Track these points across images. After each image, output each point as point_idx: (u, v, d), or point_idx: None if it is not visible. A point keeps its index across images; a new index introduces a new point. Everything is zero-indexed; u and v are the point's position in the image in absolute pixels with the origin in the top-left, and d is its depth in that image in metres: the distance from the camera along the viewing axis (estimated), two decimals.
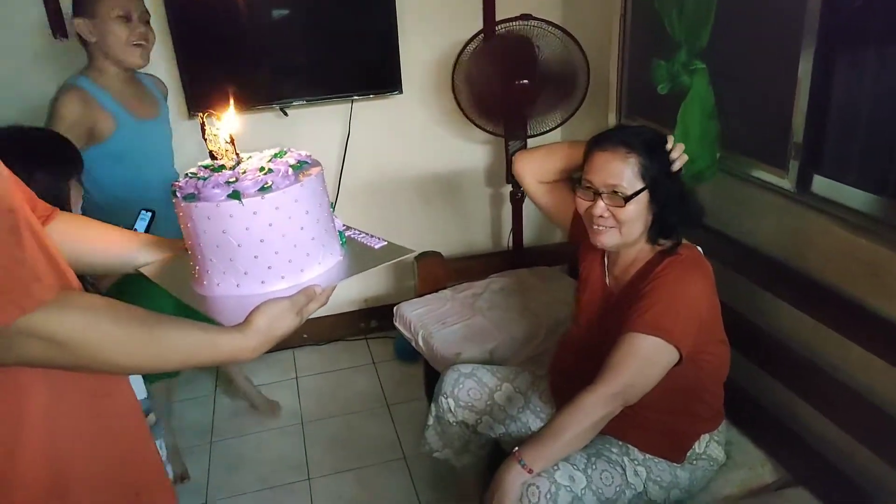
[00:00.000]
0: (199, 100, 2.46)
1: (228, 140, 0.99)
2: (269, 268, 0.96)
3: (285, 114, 2.64)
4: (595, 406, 1.37)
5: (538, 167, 1.74)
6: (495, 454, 1.87)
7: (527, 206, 2.83)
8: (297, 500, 2.18)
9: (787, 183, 1.75)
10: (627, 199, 1.42)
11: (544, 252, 2.83)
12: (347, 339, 3.00)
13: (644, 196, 1.43)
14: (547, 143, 1.82)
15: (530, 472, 1.37)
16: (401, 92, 2.66)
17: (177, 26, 2.36)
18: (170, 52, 2.41)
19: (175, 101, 2.49)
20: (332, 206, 1.06)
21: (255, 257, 0.95)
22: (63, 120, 1.89)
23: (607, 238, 1.47)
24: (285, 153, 1.04)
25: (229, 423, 2.54)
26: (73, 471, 0.88)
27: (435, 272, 2.51)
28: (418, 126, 2.81)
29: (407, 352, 2.81)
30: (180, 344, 0.83)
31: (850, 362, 1.55)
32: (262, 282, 0.96)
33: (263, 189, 0.92)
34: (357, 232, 1.13)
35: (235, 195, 0.92)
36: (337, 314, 2.92)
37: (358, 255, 1.06)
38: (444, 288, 2.43)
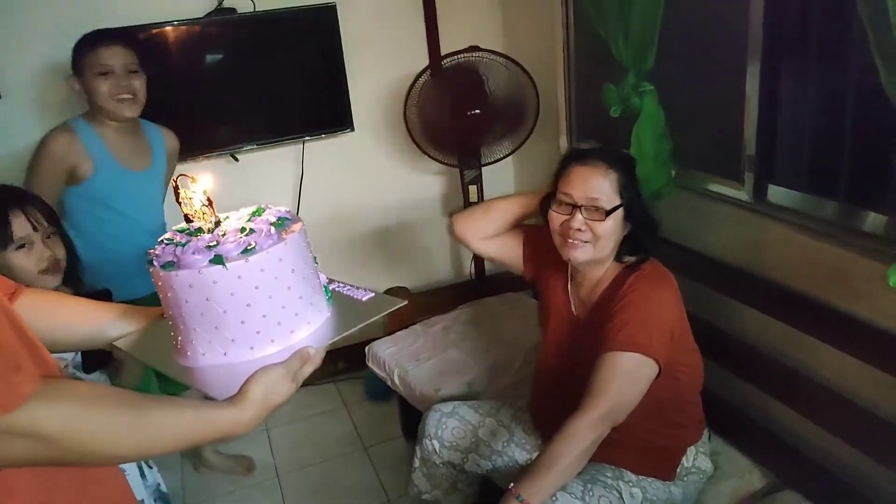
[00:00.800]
0: None
1: (206, 202, 0.95)
2: (257, 332, 0.91)
3: (236, 159, 2.59)
4: (585, 431, 1.36)
5: (479, 226, 1.75)
6: (484, 489, 1.84)
7: None
8: None
9: (743, 194, 1.81)
10: (608, 213, 1.44)
11: (507, 278, 2.83)
12: (316, 382, 2.92)
13: (620, 212, 1.46)
14: (482, 202, 1.84)
15: None
16: (352, 129, 2.65)
17: None
18: None
19: None
20: (315, 258, 1.03)
21: (242, 323, 0.90)
22: (44, 156, 1.93)
23: (581, 252, 1.47)
24: (263, 210, 1.01)
25: (201, 487, 2.42)
26: None
27: (402, 308, 2.48)
28: (372, 162, 2.80)
29: (378, 391, 2.77)
30: (171, 425, 0.77)
31: (822, 363, 1.59)
32: (251, 347, 0.91)
33: (247, 251, 0.88)
34: (341, 285, 1.09)
35: (218, 259, 0.87)
36: None
37: (346, 310, 1.02)
38: (414, 323, 2.41)
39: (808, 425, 1.60)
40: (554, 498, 1.40)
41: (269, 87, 2.53)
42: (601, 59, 2.22)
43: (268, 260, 0.89)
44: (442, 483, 1.77)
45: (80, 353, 1.54)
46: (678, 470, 1.56)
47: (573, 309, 1.61)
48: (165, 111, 2.39)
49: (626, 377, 1.40)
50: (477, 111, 2.49)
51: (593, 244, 1.46)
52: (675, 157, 1.95)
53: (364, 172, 2.81)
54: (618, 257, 1.52)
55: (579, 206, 1.45)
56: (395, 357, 2.21)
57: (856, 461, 1.52)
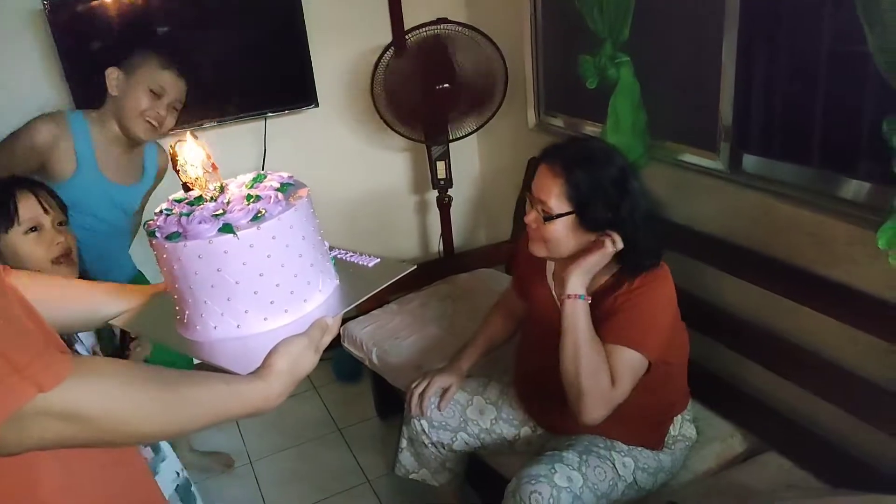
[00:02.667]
0: None
1: (209, 168, 0.89)
2: (271, 302, 0.87)
3: (195, 137, 2.47)
4: (599, 403, 1.38)
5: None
6: (472, 467, 1.84)
7: (454, 211, 2.82)
8: None
9: (719, 164, 1.83)
10: (547, 218, 1.41)
11: (476, 254, 2.82)
12: None
13: (570, 220, 1.41)
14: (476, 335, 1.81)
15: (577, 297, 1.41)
16: (317, 105, 2.57)
17: (64, 53, 2.16)
18: (60, 80, 2.20)
19: None
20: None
21: (255, 293, 0.86)
22: (28, 138, 1.80)
23: (535, 247, 1.48)
24: (265, 177, 0.95)
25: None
26: None
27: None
28: (337, 139, 2.73)
29: (347, 372, 2.73)
30: (207, 401, 0.73)
31: (801, 326, 1.64)
32: (265, 318, 0.87)
33: (256, 218, 0.83)
34: (343, 252, 1.06)
35: (228, 228, 0.82)
36: None
37: (353, 278, 0.98)
38: (388, 302, 2.37)
39: (788, 388, 1.65)
40: (552, 469, 1.41)
41: (230, 61, 2.43)
42: (572, 31, 2.21)
43: (279, 227, 0.85)
44: (430, 463, 1.76)
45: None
46: (666, 439, 1.58)
47: (557, 302, 1.59)
48: None
49: (631, 372, 1.41)
50: (446, 85, 2.45)
51: (544, 244, 1.46)
52: (650, 129, 1.97)
53: (329, 149, 2.74)
54: (628, 271, 1.46)
55: (535, 204, 1.45)
56: (372, 336, 2.17)
57: (835, 420, 1.57)
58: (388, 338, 2.14)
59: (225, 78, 2.45)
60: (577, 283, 1.42)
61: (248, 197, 0.87)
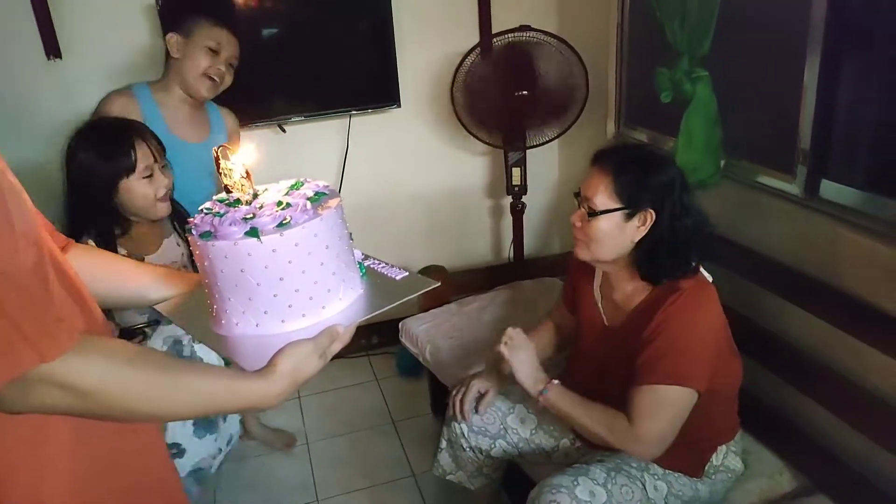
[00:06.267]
0: None
1: (244, 174, 0.96)
2: (289, 306, 0.92)
3: (283, 130, 2.62)
4: (631, 445, 1.42)
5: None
6: (509, 474, 1.85)
7: (529, 218, 2.83)
8: None
9: (794, 188, 1.75)
10: (591, 214, 1.43)
11: (545, 263, 2.82)
12: (349, 356, 2.96)
13: (617, 216, 1.42)
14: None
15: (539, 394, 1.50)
16: (399, 106, 2.64)
17: None
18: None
19: None
20: (350, 235, 1.03)
21: (274, 296, 0.91)
22: (104, 111, 1.95)
23: (579, 249, 1.50)
24: (302, 184, 1.01)
25: (232, 448, 2.48)
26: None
27: (436, 288, 2.48)
28: (417, 139, 2.80)
29: (410, 367, 2.79)
30: (202, 391, 0.79)
31: (865, 365, 1.54)
32: (283, 321, 0.92)
33: (282, 225, 0.88)
34: (376, 262, 1.09)
35: (253, 232, 0.88)
36: None
37: (379, 288, 1.01)
38: (449, 302, 2.41)
39: (846, 430, 1.55)
40: (575, 482, 1.40)
41: (320, 59, 2.54)
42: (655, 43, 2.16)
43: (302, 235, 0.89)
44: (467, 466, 1.78)
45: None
46: (707, 468, 1.53)
47: (604, 318, 1.59)
48: None
49: (671, 410, 1.39)
50: (524, 92, 2.46)
51: (587, 244, 1.47)
52: (725, 147, 1.90)
53: (408, 150, 2.81)
54: (644, 278, 1.47)
55: (582, 203, 1.47)
56: (428, 334, 2.22)
57: (892, 468, 1.46)
58: (442, 336, 2.18)
59: (314, 75, 2.56)
60: (528, 383, 1.52)
61: (279, 203, 0.93)
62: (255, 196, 0.96)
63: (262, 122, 2.56)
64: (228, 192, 0.98)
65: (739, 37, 1.85)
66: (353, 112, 2.64)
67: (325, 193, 0.98)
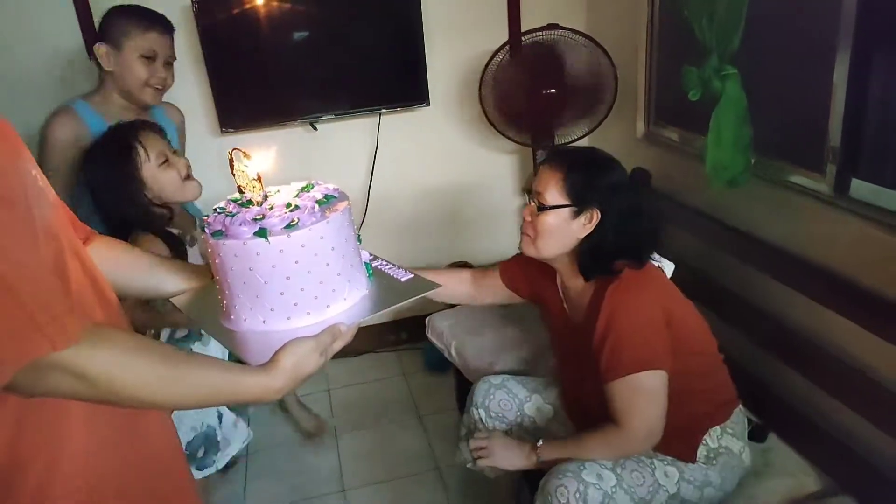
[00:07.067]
0: (229, 116, 2.50)
1: (256, 178, 1.00)
2: (295, 304, 0.96)
3: (314, 128, 2.67)
4: (626, 447, 1.45)
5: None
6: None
7: None
8: None
9: (824, 187, 1.72)
10: (541, 208, 1.46)
11: None
12: (378, 350, 3.00)
13: (565, 212, 1.45)
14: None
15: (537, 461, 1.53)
16: (428, 104, 2.67)
17: (207, 47, 2.40)
18: (202, 72, 2.45)
19: (207, 118, 2.54)
20: (359, 237, 1.07)
21: (280, 294, 0.95)
22: (55, 144, 1.82)
23: (524, 244, 1.53)
24: (313, 186, 1.05)
25: (262, 435, 2.55)
26: (109, 486, 0.90)
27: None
28: (445, 138, 2.82)
29: (436, 363, 2.81)
30: (205, 384, 0.83)
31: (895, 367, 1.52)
32: (288, 318, 0.96)
33: (290, 227, 0.92)
34: (384, 263, 1.13)
35: (262, 233, 0.92)
36: (367, 326, 2.90)
37: (384, 289, 1.06)
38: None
39: (874, 433, 1.53)
40: (581, 466, 1.43)
41: (350, 58, 2.58)
42: (684, 41, 2.15)
43: (309, 237, 0.93)
44: None
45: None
46: (706, 452, 1.52)
47: (568, 313, 1.62)
48: (252, 81, 2.50)
49: (647, 396, 1.42)
50: (552, 90, 2.47)
51: (533, 239, 1.50)
52: (754, 145, 1.88)
53: (436, 148, 2.84)
54: (584, 275, 1.50)
55: (532, 198, 1.50)
56: (453, 329, 2.24)
57: None
58: (467, 332, 2.20)
59: (344, 74, 2.60)
60: (521, 463, 1.57)
61: (288, 205, 0.97)
62: (266, 197, 1.00)
63: (293, 121, 2.61)
64: (241, 191, 1.02)
65: (769, 33, 1.83)
66: (383, 111, 2.68)
67: (334, 196, 1.02)
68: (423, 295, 1.03)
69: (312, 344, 0.89)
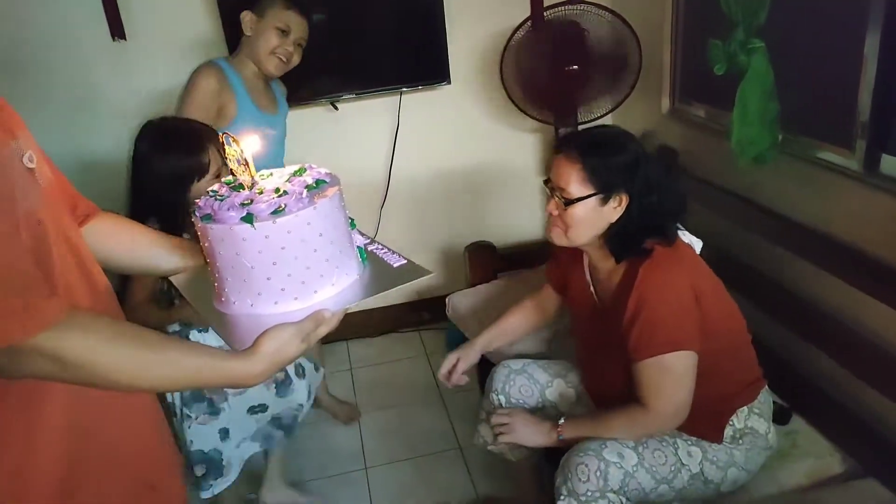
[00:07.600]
0: None
1: (242, 162, 0.99)
2: (282, 289, 0.95)
3: (335, 108, 2.66)
4: (652, 425, 1.45)
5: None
6: (549, 447, 1.85)
7: None
8: (355, 489, 2.22)
9: (853, 163, 1.68)
10: (568, 202, 1.44)
11: None
12: (400, 330, 3.02)
13: (593, 201, 1.43)
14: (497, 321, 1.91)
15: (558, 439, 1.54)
16: (449, 83, 2.65)
17: (228, 29, 2.39)
18: (223, 53, 2.45)
19: None
20: (352, 222, 1.06)
21: (267, 279, 0.95)
22: (199, 90, 2.01)
23: (555, 235, 1.51)
24: (305, 171, 1.04)
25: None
26: (89, 466, 0.91)
27: (486, 262, 2.50)
28: (467, 116, 2.80)
29: (458, 342, 2.78)
30: (185, 367, 0.83)
31: None
32: (276, 302, 0.96)
33: (276, 212, 0.92)
34: (380, 247, 1.12)
35: (248, 218, 0.91)
36: (389, 306, 2.94)
37: (375, 275, 1.05)
38: (496, 278, 2.42)
39: None
40: (603, 445, 1.43)
41: (370, 37, 2.57)
42: (709, 14, 2.10)
43: (295, 223, 0.92)
44: None
45: None
46: (731, 432, 1.51)
47: (596, 299, 1.60)
48: None
49: (675, 377, 1.41)
50: (575, 67, 2.43)
51: (564, 230, 1.48)
52: (781, 120, 1.84)
53: (458, 127, 2.81)
54: (615, 255, 1.48)
55: (555, 192, 1.47)
56: (473, 309, 2.24)
57: None
58: (488, 312, 2.20)
59: (365, 54, 2.58)
60: (542, 440, 1.57)
61: (277, 190, 0.96)
62: (255, 182, 1.00)
63: (314, 101, 2.61)
64: (234, 175, 1.02)
65: (796, 5, 1.78)
66: (404, 89, 2.66)
67: (325, 181, 1.01)
68: (412, 281, 1.02)
69: (294, 330, 0.89)
